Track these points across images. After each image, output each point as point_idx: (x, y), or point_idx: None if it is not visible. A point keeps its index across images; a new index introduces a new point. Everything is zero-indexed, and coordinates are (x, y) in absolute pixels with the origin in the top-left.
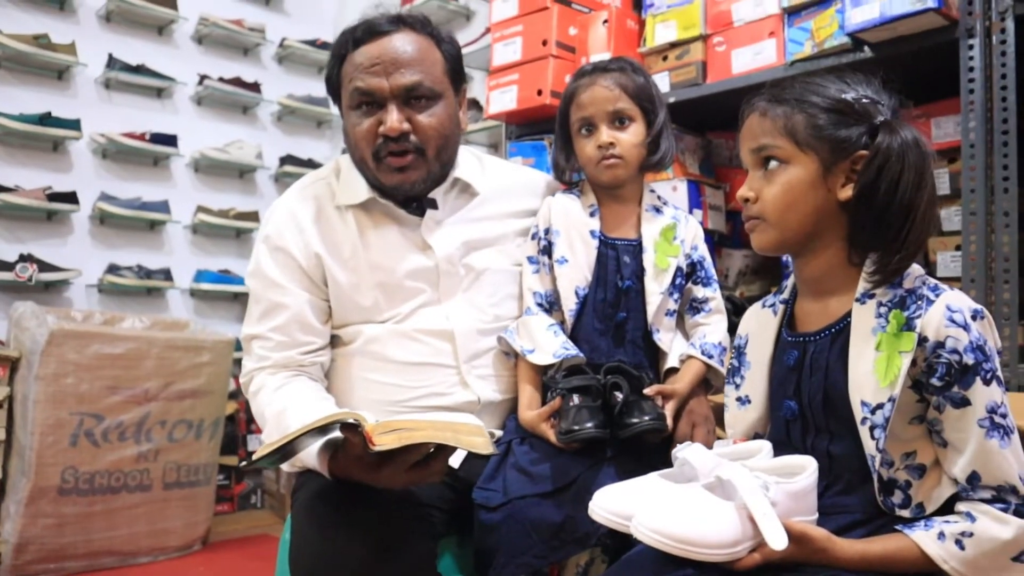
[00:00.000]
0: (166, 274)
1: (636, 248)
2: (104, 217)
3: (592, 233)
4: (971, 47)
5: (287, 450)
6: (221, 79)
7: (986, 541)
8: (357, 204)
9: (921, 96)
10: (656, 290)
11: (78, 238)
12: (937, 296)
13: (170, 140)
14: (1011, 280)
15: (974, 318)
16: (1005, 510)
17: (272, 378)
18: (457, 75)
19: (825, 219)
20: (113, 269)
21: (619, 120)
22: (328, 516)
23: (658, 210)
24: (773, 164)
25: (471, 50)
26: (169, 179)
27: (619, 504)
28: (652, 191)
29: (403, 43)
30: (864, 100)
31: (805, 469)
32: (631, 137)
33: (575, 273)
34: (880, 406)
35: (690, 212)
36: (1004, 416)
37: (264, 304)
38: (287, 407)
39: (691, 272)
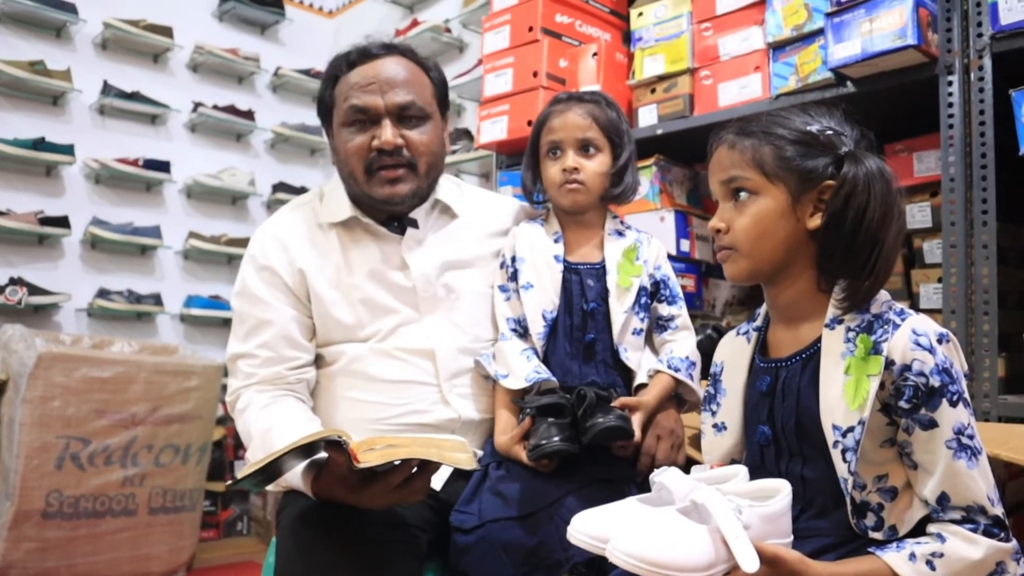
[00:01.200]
0: (156, 299)
1: (600, 271)
2: (95, 242)
3: (556, 258)
4: (950, 83)
5: (272, 470)
6: (215, 107)
7: (956, 561)
8: (339, 222)
9: (903, 130)
10: (620, 309)
11: (69, 262)
12: (903, 320)
13: (163, 166)
14: (991, 312)
15: (939, 341)
16: (974, 530)
17: (259, 396)
18: (443, 101)
19: (795, 248)
20: (103, 294)
21: (586, 148)
22: (313, 537)
23: (620, 233)
24: (743, 195)
25: (463, 81)
26: (161, 205)
27: (597, 527)
28: (615, 217)
29: (396, 66)
30: (828, 132)
31: (779, 492)
32: (596, 166)
33: (541, 297)
34: (851, 429)
35: (677, 242)
36: (971, 437)
37: (250, 322)
38: (273, 426)
39: (655, 291)
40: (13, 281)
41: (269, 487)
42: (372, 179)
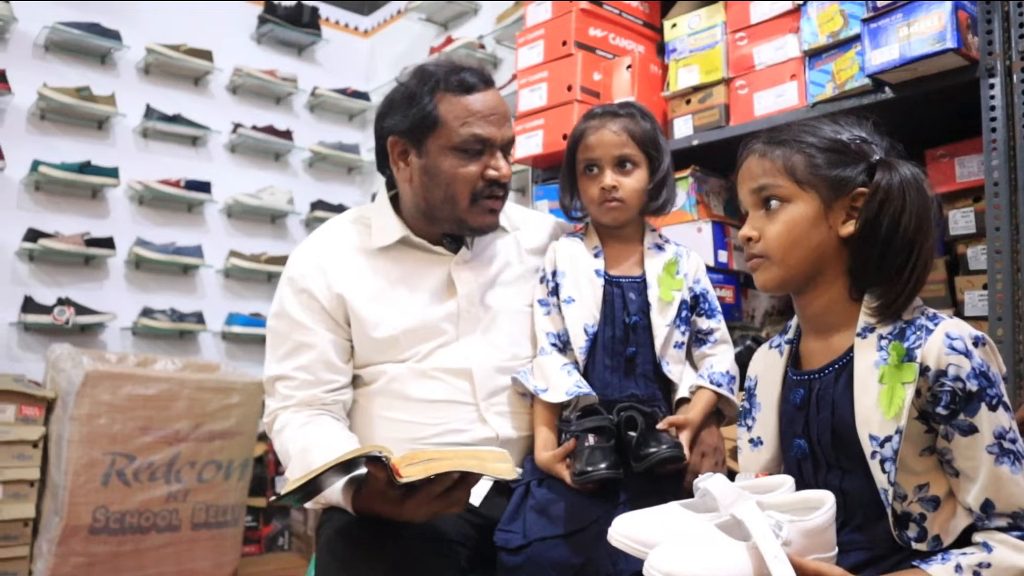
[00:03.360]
0: (198, 317)
1: (641, 285)
2: (139, 262)
3: (597, 272)
4: (992, 87)
5: (312, 487)
6: (254, 127)
7: (1004, 571)
8: (387, 245)
9: (944, 136)
10: (662, 323)
11: (114, 282)
12: (936, 325)
13: (204, 187)
14: None
15: (975, 344)
16: (1022, 537)
17: (296, 416)
18: None
19: (827, 255)
20: (147, 312)
21: (623, 164)
22: (352, 552)
23: (660, 247)
24: (774, 203)
25: None
26: (203, 224)
27: (637, 531)
28: (654, 230)
29: (502, 101)
30: (858, 140)
31: (823, 504)
32: (634, 182)
33: (582, 312)
34: (888, 439)
35: (715, 254)
36: (1013, 441)
37: (289, 344)
38: (311, 445)
39: (695, 304)
40: (61, 301)
41: (308, 504)
42: (475, 206)
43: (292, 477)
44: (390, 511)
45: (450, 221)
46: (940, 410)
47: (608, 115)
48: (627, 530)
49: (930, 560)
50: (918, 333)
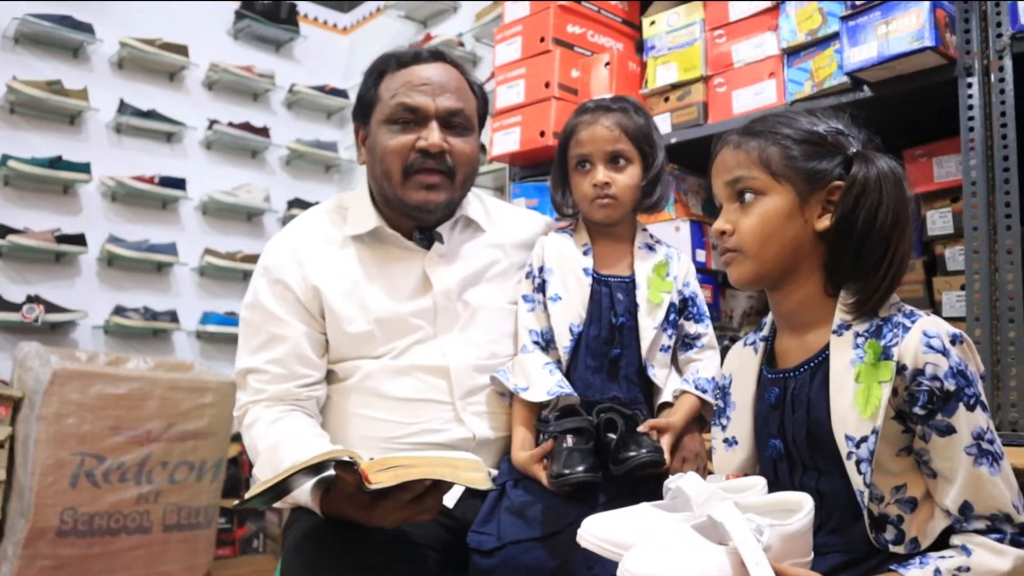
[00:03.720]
0: (172, 316)
1: (629, 285)
2: (112, 259)
3: (585, 271)
4: (970, 85)
5: (280, 488)
6: (230, 124)
7: (984, 575)
8: (362, 235)
9: (922, 135)
10: (650, 325)
11: (85, 280)
12: (913, 322)
13: (179, 183)
14: (1017, 319)
15: (953, 343)
16: (1001, 540)
17: (268, 411)
18: (483, 118)
19: (802, 250)
20: (120, 311)
21: (616, 160)
22: (319, 555)
23: (651, 248)
24: (749, 196)
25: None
26: (177, 222)
27: (609, 531)
28: (644, 230)
29: (448, 73)
30: (835, 132)
31: (801, 507)
32: (627, 179)
33: (569, 310)
34: (864, 439)
35: (693, 253)
36: (991, 442)
37: (262, 336)
38: (281, 442)
39: (683, 308)
40: (30, 299)
41: (277, 504)
42: (408, 182)
43: (260, 474)
44: (359, 516)
45: (395, 203)
46: (917, 410)
47: (601, 110)
48: (598, 530)
49: (908, 564)
50: (895, 331)
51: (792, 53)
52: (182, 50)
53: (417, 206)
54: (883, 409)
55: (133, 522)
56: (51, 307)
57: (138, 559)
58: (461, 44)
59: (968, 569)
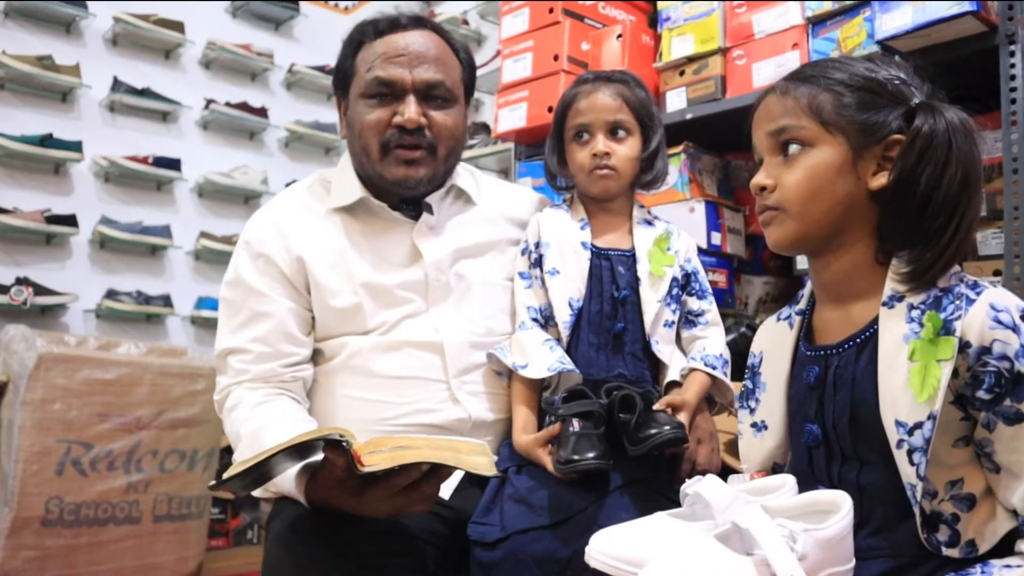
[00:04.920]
0: (166, 300)
1: (630, 259)
2: (104, 241)
3: (584, 244)
4: (1012, 54)
5: (262, 472)
6: (228, 104)
7: None
8: (347, 206)
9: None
10: (653, 298)
11: (77, 262)
12: (978, 294)
13: (174, 164)
14: None
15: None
16: None
17: (251, 394)
18: (470, 86)
19: (853, 211)
20: (112, 294)
21: (616, 131)
22: (304, 549)
23: (649, 223)
24: (794, 148)
25: (482, 73)
26: (172, 204)
27: (620, 548)
28: (642, 207)
29: (427, 41)
30: (896, 81)
31: (839, 509)
32: (627, 150)
33: (567, 284)
34: (918, 425)
35: (708, 235)
36: None
37: (244, 314)
38: (264, 425)
39: (685, 284)
40: (19, 281)
41: (257, 492)
42: (387, 158)
43: (240, 460)
44: (348, 503)
45: (372, 177)
46: (982, 394)
47: (601, 80)
48: (608, 548)
49: (967, 573)
50: (957, 303)
51: (818, 22)
52: (178, 27)
53: (397, 182)
54: (943, 392)
55: (122, 512)
56: (40, 290)
57: (127, 550)
58: (466, 22)
59: None
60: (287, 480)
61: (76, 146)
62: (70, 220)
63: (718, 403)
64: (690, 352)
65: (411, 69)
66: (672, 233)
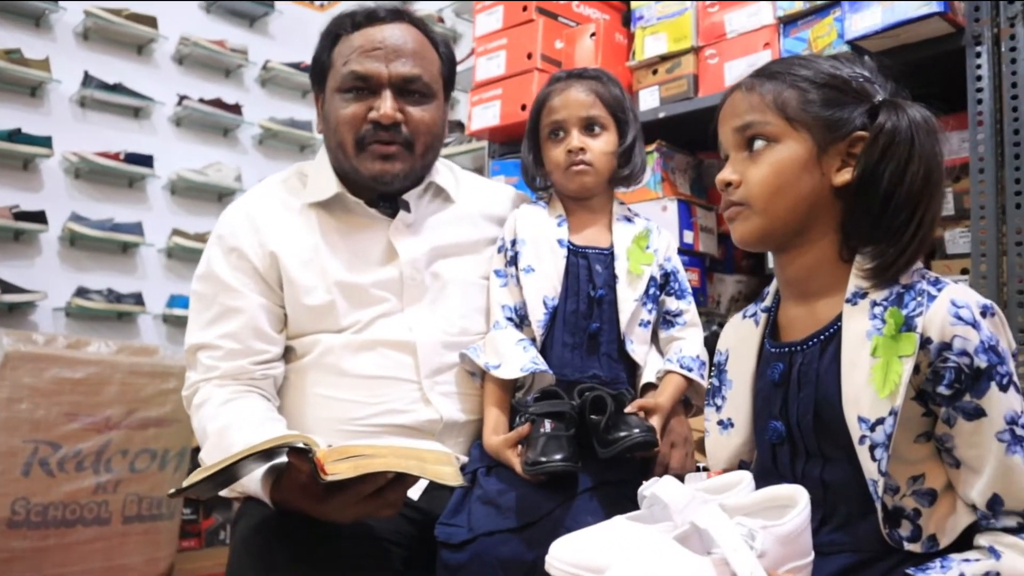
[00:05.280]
0: (138, 299)
1: (608, 257)
2: (74, 238)
3: (560, 242)
4: (979, 55)
5: (227, 475)
6: (201, 100)
7: None
8: (323, 201)
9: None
10: (630, 297)
11: (46, 259)
12: (939, 290)
13: (146, 160)
14: None
15: (983, 314)
16: None
17: (219, 391)
18: (449, 81)
19: (817, 207)
20: (82, 292)
21: (591, 127)
22: (269, 551)
23: (629, 219)
24: (760, 143)
25: (457, 71)
26: (144, 201)
27: (579, 555)
28: (622, 204)
29: (405, 34)
30: (860, 79)
31: (796, 503)
32: (602, 145)
33: (543, 282)
34: (880, 421)
35: (680, 234)
36: None
37: (215, 309)
38: (231, 424)
39: (664, 283)
40: None
41: (224, 492)
42: (362, 153)
43: (207, 459)
44: (312, 508)
45: (348, 173)
46: (942, 389)
47: (574, 77)
48: (567, 555)
49: (927, 567)
50: (918, 299)
51: (789, 22)
52: (151, 22)
53: (373, 178)
54: (904, 388)
55: (90, 513)
56: (8, 287)
57: (96, 552)
58: (441, 20)
59: (997, 574)
60: (253, 481)
61: (45, 141)
62: (39, 217)
63: (695, 405)
64: (667, 353)
65: (387, 63)
66: (652, 231)
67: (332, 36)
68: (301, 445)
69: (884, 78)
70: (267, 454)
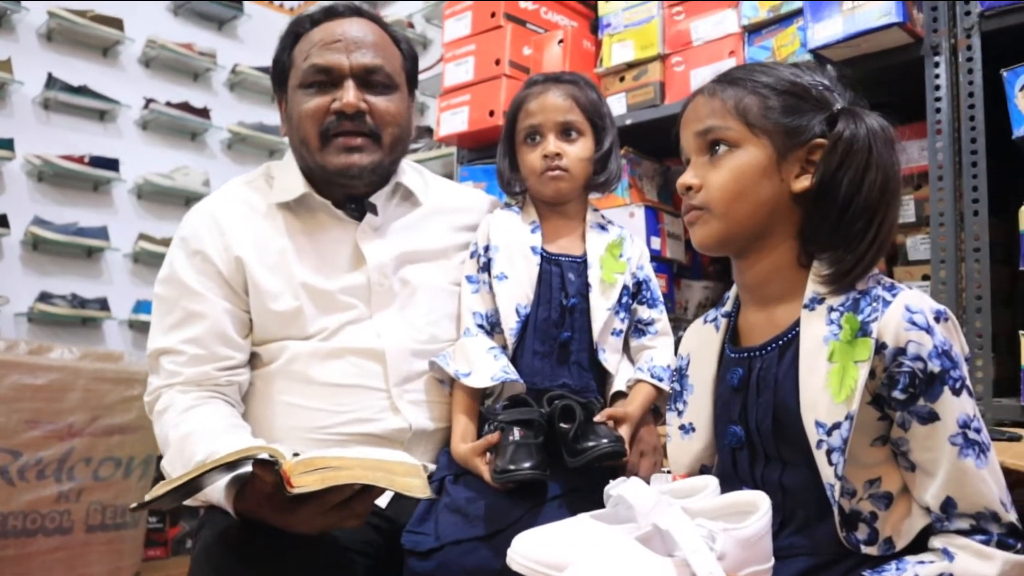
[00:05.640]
0: (103, 304)
1: (581, 265)
2: (37, 242)
3: (533, 249)
4: (937, 64)
5: (190, 487)
6: (168, 103)
7: None
8: (290, 202)
9: (887, 120)
10: (603, 306)
11: (8, 264)
12: (894, 296)
13: (111, 164)
14: (983, 310)
15: (937, 320)
16: (987, 542)
17: (182, 397)
18: (412, 77)
19: (776, 213)
20: (45, 297)
21: (568, 132)
22: (231, 562)
23: (603, 227)
24: (721, 148)
25: (427, 77)
26: (110, 205)
27: (542, 551)
28: (596, 210)
29: (365, 28)
30: (820, 87)
31: (757, 508)
32: (579, 151)
33: (515, 290)
34: (836, 426)
35: (648, 240)
36: (978, 431)
37: (178, 314)
38: (194, 432)
39: (636, 292)
40: None
41: (187, 502)
42: (327, 147)
43: (169, 467)
44: (277, 519)
45: (314, 170)
46: (897, 394)
47: (551, 81)
48: (530, 551)
49: (883, 569)
50: (874, 304)
51: (753, 31)
52: (117, 23)
53: (339, 171)
54: (859, 392)
55: (52, 522)
56: None
57: (57, 562)
58: (411, 25)
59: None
60: (216, 491)
61: (7, 144)
62: (1, 220)
63: (664, 415)
64: (637, 362)
65: (348, 54)
66: (625, 239)
67: (292, 36)
68: (267, 457)
69: (843, 87)
70: (231, 464)
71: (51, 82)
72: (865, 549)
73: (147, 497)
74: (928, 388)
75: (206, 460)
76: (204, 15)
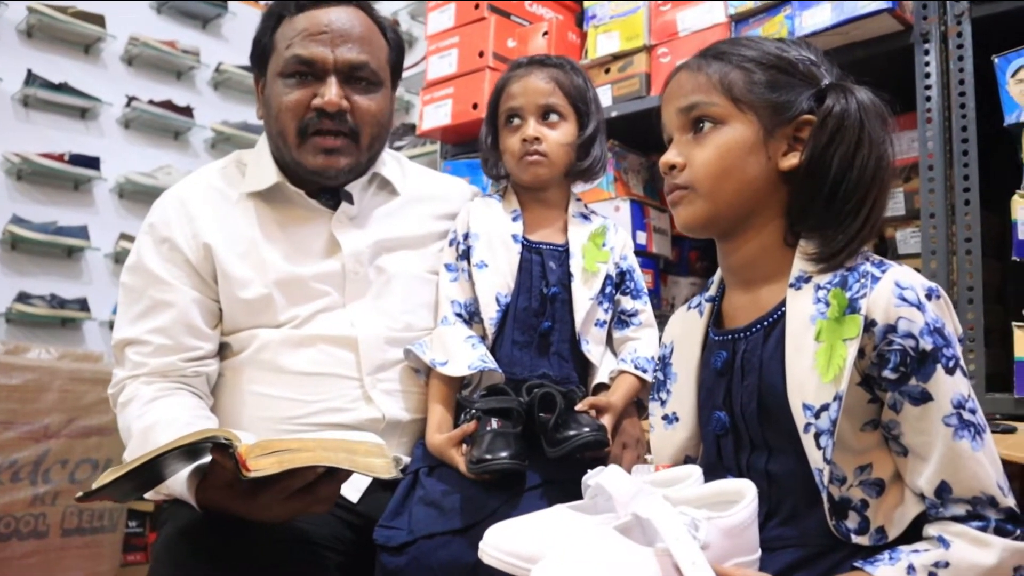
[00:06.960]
0: (82, 304)
1: (563, 254)
2: (15, 241)
3: (514, 237)
4: (927, 52)
5: (148, 476)
6: (151, 102)
7: (966, 571)
8: (262, 191)
9: None
10: (586, 295)
11: None
12: (884, 272)
13: (92, 163)
14: (975, 303)
15: (928, 297)
16: (984, 528)
17: (146, 388)
18: (397, 68)
19: (763, 191)
20: (23, 298)
21: (548, 115)
22: (192, 558)
23: (586, 217)
24: (705, 125)
25: (411, 74)
26: (91, 204)
27: (515, 543)
28: (579, 200)
29: (353, 18)
30: (807, 61)
31: (743, 497)
32: (560, 136)
33: (495, 278)
34: (825, 407)
35: (633, 234)
36: (973, 411)
37: (144, 303)
38: (157, 423)
39: (620, 282)
40: None
41: (148, 495)
42: (304, 144)
43: (129, 459)
44: (239, 508)
45: (289, 163)
46: (888, 373)
47: (535, 64)
48: (502, 543)
49: (875, 560)
50: (862, 280)
51: (740, 20)
52: (98, 20)
53: (316, 171)
54: (848, 371)
55: (27, 526)
56: None
57: (32, 567)
58: (397, 23)
59: (947, 565)
60: (178, 483)
61: None
62: None
63: (647, 407)
64: (620, 353)
65: (333, 48)
66: (608, 228)
67: (275, 17)
68: (223, 440)
69: (830, 63)
70: (192, 453)
71: (31, 79)
72: (856, 539)
73: (95, 484)
74: (920, 367)
75: (157, 448)
76: (188, 13)
